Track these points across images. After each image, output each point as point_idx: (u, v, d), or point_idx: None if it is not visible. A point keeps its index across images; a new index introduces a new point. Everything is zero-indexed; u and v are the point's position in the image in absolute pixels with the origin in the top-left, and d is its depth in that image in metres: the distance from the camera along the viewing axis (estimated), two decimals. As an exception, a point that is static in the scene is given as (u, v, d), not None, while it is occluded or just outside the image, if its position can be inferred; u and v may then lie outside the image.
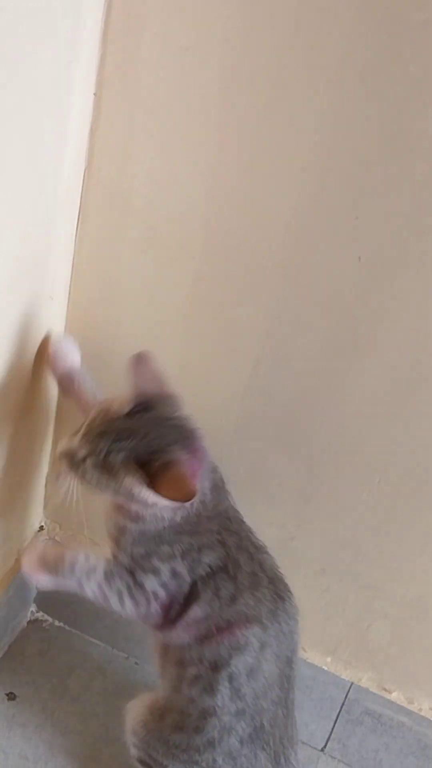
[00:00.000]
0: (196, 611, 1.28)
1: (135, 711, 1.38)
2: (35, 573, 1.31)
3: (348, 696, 1.55)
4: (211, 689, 1.30)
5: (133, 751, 1.37)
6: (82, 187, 1.30)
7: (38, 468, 1.56)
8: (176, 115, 1.21)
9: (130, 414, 1.21)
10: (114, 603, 1.30)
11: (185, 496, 1.15)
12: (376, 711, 1.55)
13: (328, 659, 1.51)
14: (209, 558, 1.27)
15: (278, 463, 1.42)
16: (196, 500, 1.20)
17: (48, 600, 1.70)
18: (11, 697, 1.59)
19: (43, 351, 1.36)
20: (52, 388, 1.46)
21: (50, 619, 1.72)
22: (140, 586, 1.28)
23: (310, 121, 1.15)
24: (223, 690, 1.30)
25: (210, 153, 1.21)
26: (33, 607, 1.72)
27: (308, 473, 1.41)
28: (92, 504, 1.27)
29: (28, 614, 1.71)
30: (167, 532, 1.25)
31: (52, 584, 1.31)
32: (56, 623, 1.71)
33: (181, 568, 1.27)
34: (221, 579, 1.28)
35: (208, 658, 1.29)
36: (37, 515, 1.62)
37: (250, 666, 1.30)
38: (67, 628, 1.71)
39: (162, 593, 1.28)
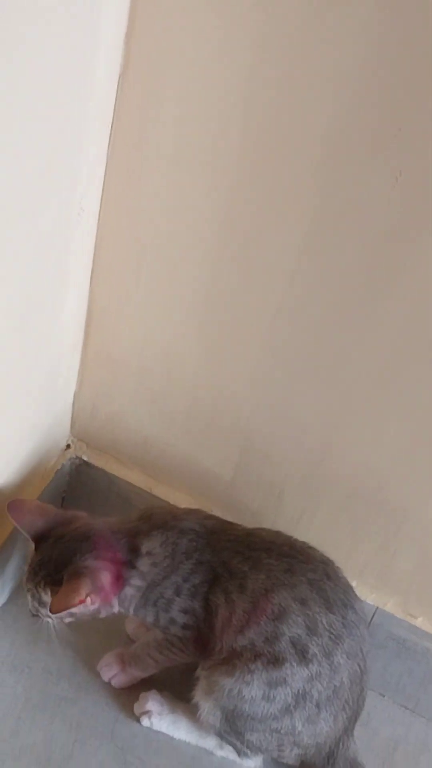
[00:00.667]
0: (221, 619, 1.35)
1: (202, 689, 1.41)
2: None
3: (373, 621, 1.54)
4: (276, 660, 1.32)
5: (209, 719, 1.39)
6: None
7: (65, 386, 1.54)
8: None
9: (37, 549, 1.38)
10: (174, 659, 1.45)
11: (74, 596, 1.31)
12: (400, 636, 1.54)
13: (354, 583, 1.49)
14: (198, 578, 1.36)
15: (306, 391, 1.40)
16: (89, 596, 1.34)
17: (74, 506, 1.69)
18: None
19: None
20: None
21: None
22: (173, 637, 1.40)
23: (354, 28, 1.11)
24: (289, 657, 1.32)
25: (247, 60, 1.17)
26: (59, 525, 1.72)
27: (339, 399, 1.39)
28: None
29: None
30: (145, 595, 1.37)
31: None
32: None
33: (185, 603, 1.37)
34: (223, 583, 1.36)
35: (258, 639, 1.33)
36: (63, 434, 1.61)
37: (304, 623, 1.32)
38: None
39: (189, 632, 1.38)
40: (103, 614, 1.40)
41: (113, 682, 1.53)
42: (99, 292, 1.45)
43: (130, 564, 1.37)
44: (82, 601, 1.32)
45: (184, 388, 1.49)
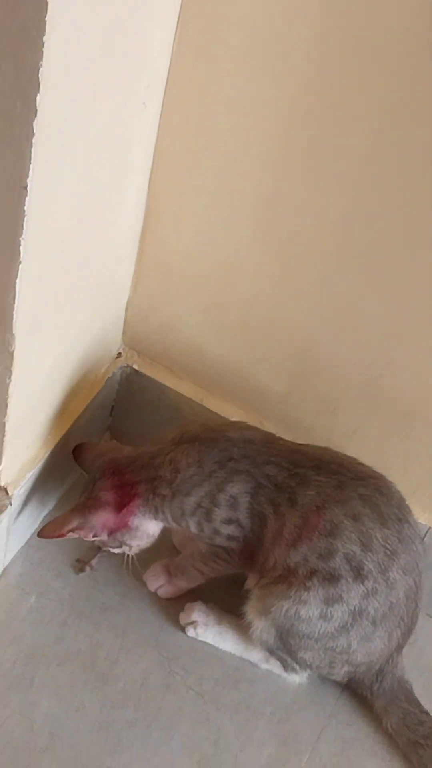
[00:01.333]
0: (270, 532, 1.33)
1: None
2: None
3: (424, 540, 1.52)
4: (331, 577, 1.31)
5: (262, 636, 1.39)
6: None
7: (119, 291, 1.51)
8: None
9: None
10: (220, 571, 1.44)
11: (56, 528, 1.39)
12: (451, 557, 1.52)
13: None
14: (236, 488, 1.34)
15: (369, 300, 1.36)
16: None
17: (123, 429, 1.68)
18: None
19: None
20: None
21: (123, 447, 1.70)
22: (218, 549, 1.39)
23: None
24: (344, 573, 1.30)
25: None
26: (107, 435, 1.70)
27: (403, 313, 1.35)
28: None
29: (102, 441, 1.69)
30: (177, 504, 1.36)
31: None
32: (129, 452, 1.70)
33: (226, 513, 1.35)
34: (268, 494, 1.33)
35: (311, 555, 1.32)
36: (115, 342, 1.59)
37: (358, 540, 1.31)
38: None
39: (234, 543, 1.37)
40: (135, 544, 1.42)
41: (159, 593, 1.52)
42: (157, 194, 1.41)
43: (152, 479, 1.37)
44: (61, 535, 1.38)
45: (241, 299, 1.46)
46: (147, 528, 1.41)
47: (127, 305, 1.55)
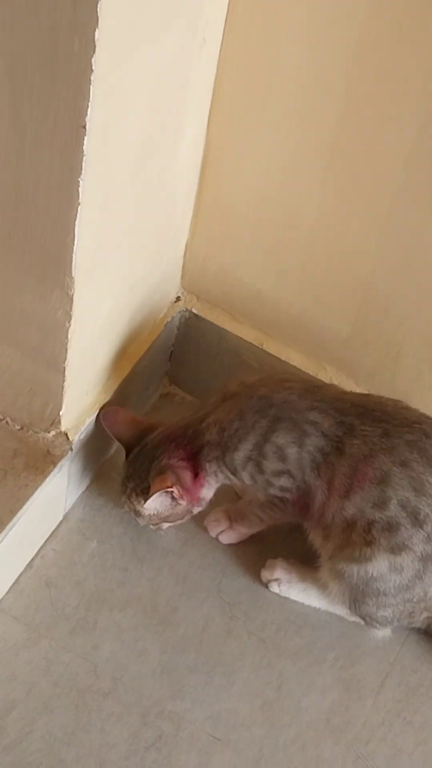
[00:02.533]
0: (322, 481, 1.33)
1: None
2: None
3: None
4: (390, 526, 1.30)
5: (338, 599, 1.39)
6: None
7: (177, 234, 1.49)
8: None
9: (127, 460, 1.44)
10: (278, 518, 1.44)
11: (161, 485, 1.36)
12: None
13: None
14: (282, 438, 1.33)
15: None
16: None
17: (181, 375, 1.66)
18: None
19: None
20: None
21: (182, 393, 1.69)
22: (273, 498, 1.38)
23: None
24: (402, 520, 1.29)
25: None
26: (166, 380, 1.69)
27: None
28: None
29: (160, 387, 1.68)
30: (228, 462, 1.36)
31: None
32: (188, 398, 1.68)
33: (276, 465, 1.34)
34: (316, 443, 1.32)
35: (366, 505, 1.31)
36: (174, 286, 1.57)
37: (410, 486, 1.30)
38: (197, 402, 1.68)
39: (287, 494, 1.36)
40: (195, 511, 1.43)
41: (220, 538, 1.52)
42: (217, 133, 1.37)
43: (202, 447, 1.37)
44: (169, 487, 1.35)
45: (302, 241, 1.43)
46: (207, 495, 1.42)
47: (185, 248, 1.52)
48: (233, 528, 1.51)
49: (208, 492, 1.42)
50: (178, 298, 1.58)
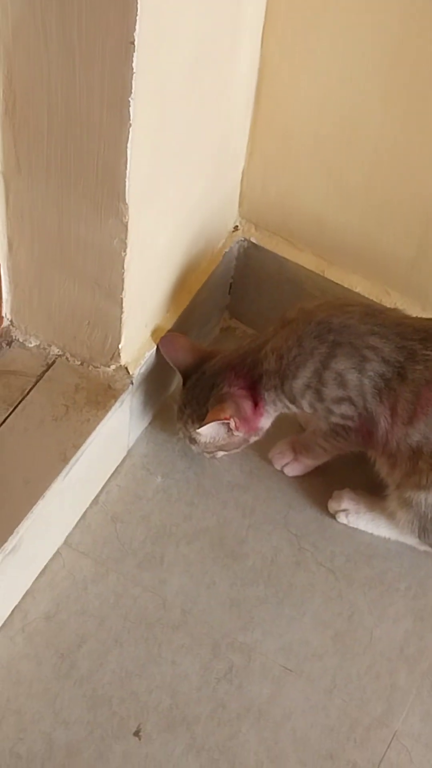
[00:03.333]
0: (385, 407, 1.30)
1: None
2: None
3: None
4: None
5: (406, 528, 1.38)
6: None
7: (233, 160, 1.45)
8: None
9: (184, 387, 1.41)
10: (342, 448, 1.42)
11: (219, 414, 1.34)
12: None
13: None
14: (342, 364, 1.30)
15: None
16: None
17: (241, 308, 1.63)
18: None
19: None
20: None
21: (243, 327, 1.67)
22: (336, 426, 1.36)
23: None
24: None
25: None
26: (226, 314, 1.66)
27: None
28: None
29: (221, 321, 1.66)
30: (288, 390, 1.33)
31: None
32: (249, 331, 1.65)
33: (336, 392, 1.31)
34: (376, 368, 1.29)
35: (431, 430, 1.28)
36: (231, 215, 1.53)
37: None
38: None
39: (349, 422, 1.34)
40: (252, 440, 1.41)
41: (285, 470, 1.49)
42: (272, 51, 1.33)
43: (261, 376, 1.34)
44: (227, 419, 1.33)
45: (364, 161, 1.38)
46: (265, 425, 1.40)
47: (242, 175, 1.49)
48: (298, 460, 1.48)
49: (266, 422, 1.40)
50: (236, 228, 1.55)
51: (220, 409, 1.35)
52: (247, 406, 1.36)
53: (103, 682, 1.31)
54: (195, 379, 1.40)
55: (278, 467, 1.50)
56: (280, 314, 1.40)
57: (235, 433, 1.37)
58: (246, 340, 1.42)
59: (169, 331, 1.44)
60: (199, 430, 1.36)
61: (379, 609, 1.40)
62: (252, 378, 1.36)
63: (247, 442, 1.41)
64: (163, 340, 1.42)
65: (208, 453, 1.43)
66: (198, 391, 1.39)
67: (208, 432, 1.37)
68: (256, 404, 1.36)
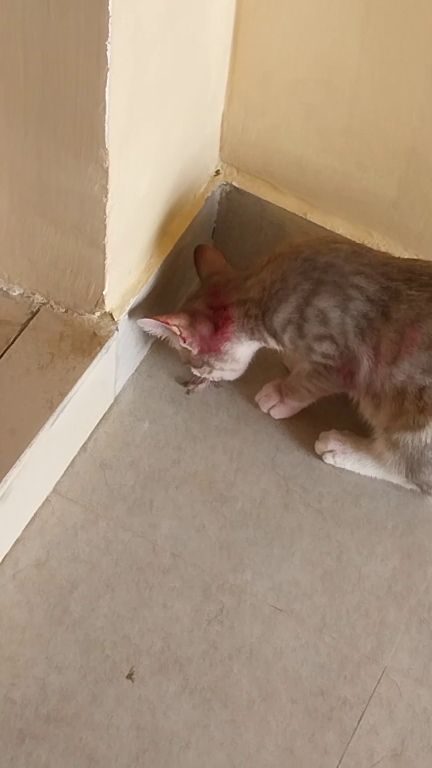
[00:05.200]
0: (367, 347, 1.31)
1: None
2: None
3: None
4: None
5: (393, 469, 1.39)
6: None
7: (213, 103, 1.44)
8: None
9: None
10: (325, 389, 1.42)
11: (164, 319, 1.38)
12: None
13: None
14: (324, 302, 1.30)
15: None
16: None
17: (225, 252, 1.61)
18: (191, 346, 1.57)
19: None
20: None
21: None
22: (318, 366, 1.37)
23: None
24: None
25: None
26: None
27: None
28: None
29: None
30: (268, 323, 1.35)
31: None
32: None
33: (317, 329, 1.31)
34: (360, 308, 1.29)
35: (415, 371, 1.29)
36: (213, 159, 1.52)
37: None
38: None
39: (331, 361, 1.34)
40: (219, 367, 1.43)
41: (272, 413, 1.50)
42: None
43: (242, 302, 1.36)
44: (167, 323, 1.37)
45: (343, 100, 1.37)
46: (235, 354, 1.41)
47: (222, 118, 1.47)
48: (284, 402, 1.49)
49: (237, 348, 1.41)
50: (217, 172, 1.54)
51: (170, 315, 1.39)
52: (205, 324, 1.38)
53: (95, 627, 1.33)
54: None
55: (265, 410, 1.50)
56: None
57: (183, 345, 1.39)
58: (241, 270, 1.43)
59: (155, 284, 1.45)
60: (138, 320, 1.40)
61: (367, 548, 1.41)
62: (227, 302, 1.37)
63: (209, 366, 1.43)
64: (196, 250, 1.45)
65: (185, 362, 1.46)
66: (186, 302, 1.45)
67: (148, 326, 1.41)
68: (219, 327, 1.38)
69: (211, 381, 1.49)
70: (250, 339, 1.39)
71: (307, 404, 1.48)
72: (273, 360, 1.52)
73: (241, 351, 1.41)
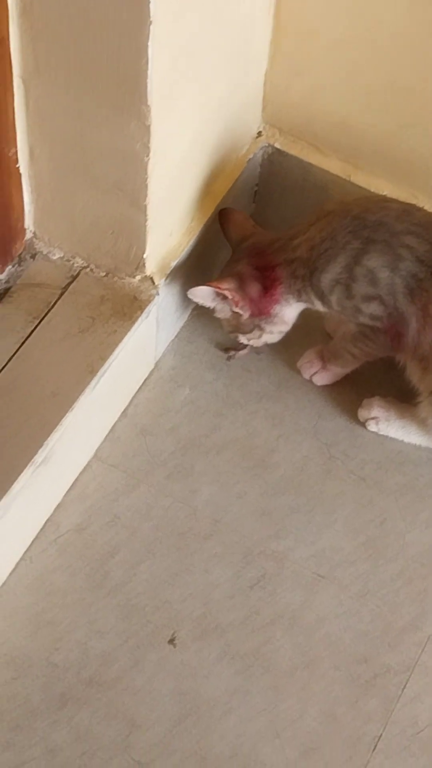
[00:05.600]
0: (416, 308, 1.28)
1: None
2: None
3: None
4: None
5: None
6: None
7: (255, 62, 1.41)
8: None
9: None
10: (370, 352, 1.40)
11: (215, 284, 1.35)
12: None
13: None
14: (374, 261, 1.28)
15: None
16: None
17: (267, 215, 1.60)
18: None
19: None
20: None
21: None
22: (364, 328, 1.34)
23: None
24: None
25: None
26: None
27: None
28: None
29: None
30: (316, 283, 1.31)
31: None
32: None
33: (366, 289, 1.29)
34: (410, 268, 1.27)
35: None
36: (255, 120, 1.50)
37: None
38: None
39: (378, 323, 1.32)
40: (269, 330, 1.40)
41: (314, 379, 1.48)
42: None
43: (290, 262, 1.33)
44: (219, 288, 1.33)
45: (388, 58, 1.34)
46: (284, 316, 1.38)
47: (265, 77, 1.45)
48: (326, 368, 1.47)
49: (285, 310, 1.38)
50: (259, 133, 1.52)
51: (220, 280, 1.35)
52: (254, 286, 1.35)
53: (136, 592, 1.32)
54: (231, 255, 1.40)
55: (306, 376, 1.48)
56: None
57: (236, 309, 1.36)
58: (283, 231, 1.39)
59: (195, 247, 1.43)
60: (189, 290, 1.36)
61: (410, 515, 1.39)
62: (274, 262, 1.34)
63: (260, 330, 1.39)
64: (221, 213, 1.42)
65: (231, 333, 1.43)
66: (226, 267, 1.39)
67: (199, 295, 1.36)
68: (268, 289, 1.35)
69: (252, 348, 1.47)
70: (297, 300, 1.36)
71: (350, 370, 1.46)
72: (315, 324, 1.49)
73: (290, 313, 1.39)
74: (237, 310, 1.36)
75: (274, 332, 1.40)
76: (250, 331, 1.40)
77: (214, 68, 1.29)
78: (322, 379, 1.48)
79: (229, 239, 1.42)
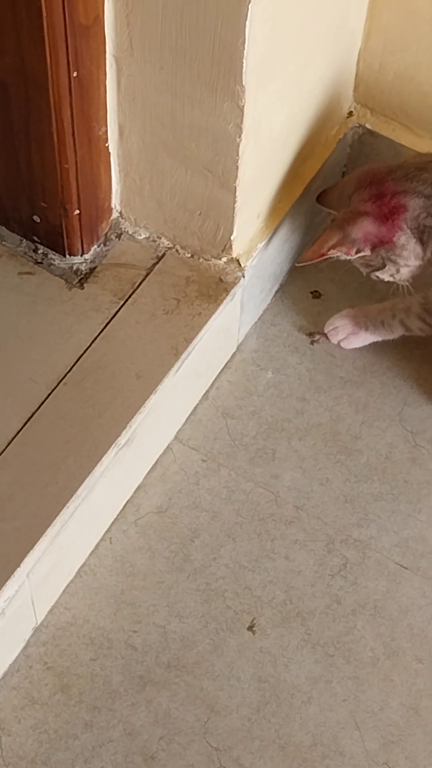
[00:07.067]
0: None
1: None
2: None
3: None
4: None
5: None
6: None
7: (351, 39, 1.38)
8: None
9: None
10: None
11: (321, 246, 1.29)
12: None
13: None
14: None
15: None
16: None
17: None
18: (316, 295, 1.53)
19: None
20: None
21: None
22: None
23: None
24: None
25: None
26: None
27: None
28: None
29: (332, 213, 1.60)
30: None
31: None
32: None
33: None
34: None
35: None
36: (346, 99, 1.47)
37: None
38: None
39: None
40: (398, 257, 1.29)
41: (342, 344, 1.46)
42: None
43: (417, 192, 1.25)
44: (322, 256, 1.29)
45: None
46: (415, 248, 1.29)
47: (359, 56, 1.41)
48: (357, 334, 1.44)
49: (411, 243, 1.28)
50: (350, 113, 1.48)
51: (322, 243, 1.29)
52: (366, 220, 1.27)
53: (216, 576, 1.31)
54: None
55: (335, 341, 1.46)
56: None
57: (354, 257, 1.30)
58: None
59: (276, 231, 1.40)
60: (297, 262, 1.33)
61: None
62: (398, 188, 1.26)
63: (394, 264, 1.30)
64: (318, 196, 1.37)
65: (373, 275, 1.34)
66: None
67: (309, 260, 1.32)
68: (388, 217, 1.26)
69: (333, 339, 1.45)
70: (420, 240, 1.27)
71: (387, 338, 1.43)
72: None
73: (408, 241, 1.28)
74: (355, 257, 1.30)
75: (409, 264, 1.30)
76: (383, 267, 1.31)
77: (310, 47, 1.26)
78: (350, 343, 1.45)
79: (337, 207, 1.34)
